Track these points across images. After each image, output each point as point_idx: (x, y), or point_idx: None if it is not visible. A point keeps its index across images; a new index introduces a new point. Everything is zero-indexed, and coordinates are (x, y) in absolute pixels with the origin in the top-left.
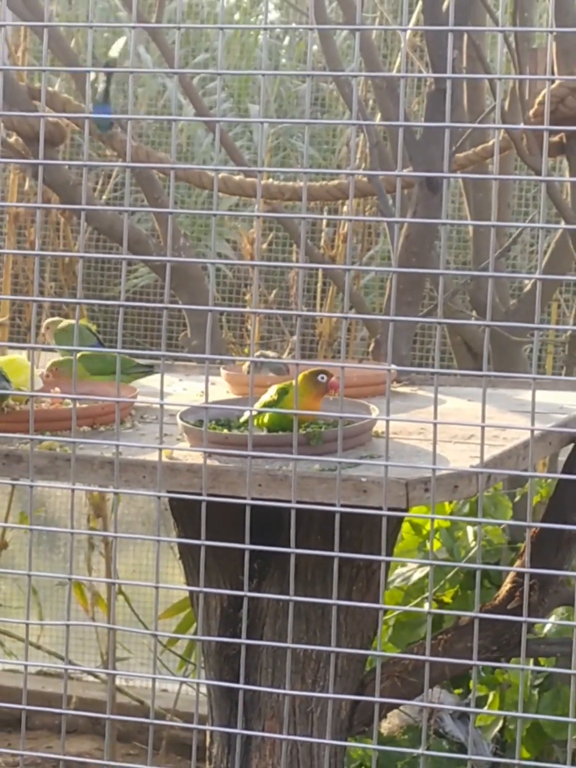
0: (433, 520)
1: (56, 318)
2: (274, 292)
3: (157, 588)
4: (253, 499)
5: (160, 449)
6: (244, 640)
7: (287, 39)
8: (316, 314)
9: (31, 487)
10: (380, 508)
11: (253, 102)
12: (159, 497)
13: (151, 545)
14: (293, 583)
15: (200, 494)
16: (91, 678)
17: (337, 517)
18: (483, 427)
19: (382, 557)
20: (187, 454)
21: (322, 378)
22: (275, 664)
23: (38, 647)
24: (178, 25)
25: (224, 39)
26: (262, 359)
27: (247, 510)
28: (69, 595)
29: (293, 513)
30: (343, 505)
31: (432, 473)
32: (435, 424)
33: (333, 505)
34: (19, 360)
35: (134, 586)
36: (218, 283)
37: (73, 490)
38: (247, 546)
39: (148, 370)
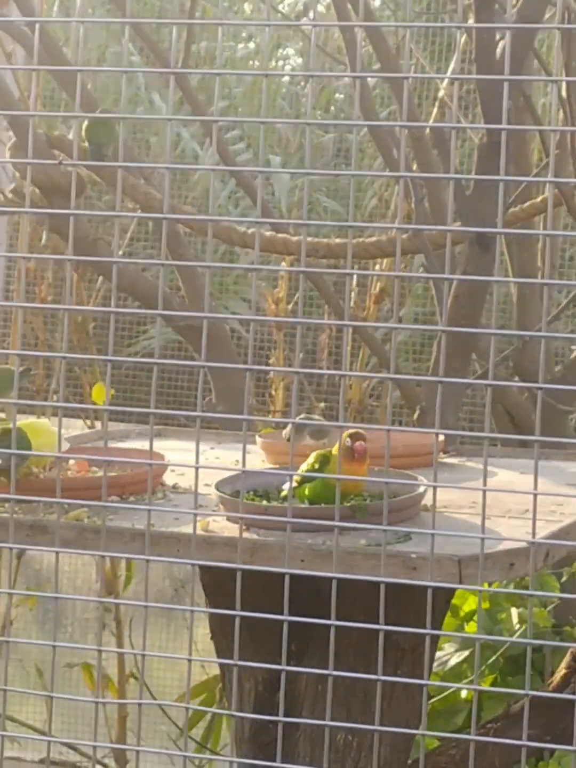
0: (480, 593)
1: None
2: (301, 355)
3: (189, 661)
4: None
5: (195, 515)
6: (281, 718)
7: (308, 85)
8: (362, 375)
9: (58, 553)
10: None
11: (273, 153)
12: (193, 566)
13: (164, 625)
14: (332, 657)
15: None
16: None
17: (383, 588)
18: (535, 496)
19: (428, 630)
20: (224, 526)
21: (348, 442)
22: (313, 752)
23: (43, 732)
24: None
25: (266, 96)
26: (306, 422)
27: (286, 579)
28: (98, 676)
29: (334, 583)
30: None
31: (481, 543)
32: (484, 492)
33: (378, 584)
34: (39, 423)
35: (146, 669)
36: (237, 345)
37: (103, 558)
38: (286, 617)
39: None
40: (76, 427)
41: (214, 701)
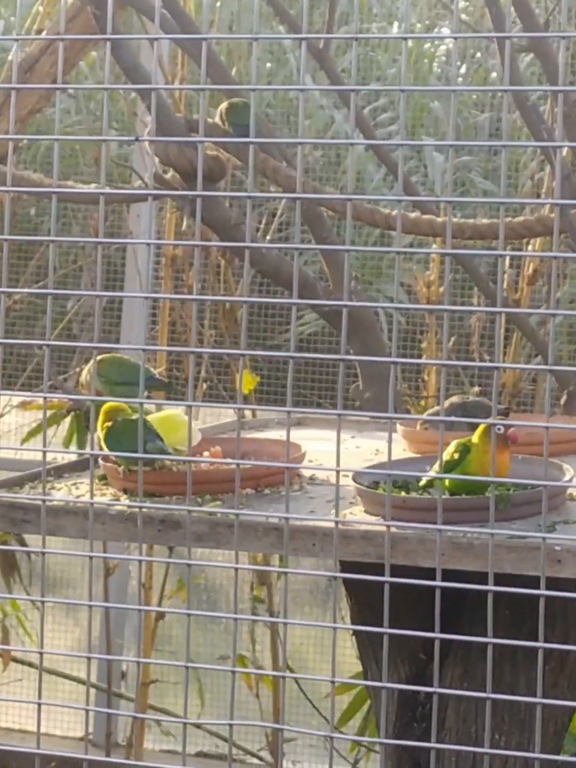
0: None
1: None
2: (453, 339)
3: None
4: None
5: (336, 521)
6: (433, 688)
7: (464, 67)
8: (518, 366)
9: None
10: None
11: (428, 134)
12: (334, 578)
13: (319, 616)
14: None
15: (375, 565)
16: (255, 760)
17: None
18: None
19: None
20: (361, 519)
21: (500, 429)
22: (459, 753)
23: (198, 726)
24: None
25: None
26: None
27: (437, 593)
28: (243, 668)
29: (490, 597)
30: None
31: None
32: None
33: (521, 577)
34: (175, 416)
35: (301, 661)
36: (390, 329)
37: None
38: (418, 633)
39: (165, 384)
40: (226, 416)
41: (367, 697)
